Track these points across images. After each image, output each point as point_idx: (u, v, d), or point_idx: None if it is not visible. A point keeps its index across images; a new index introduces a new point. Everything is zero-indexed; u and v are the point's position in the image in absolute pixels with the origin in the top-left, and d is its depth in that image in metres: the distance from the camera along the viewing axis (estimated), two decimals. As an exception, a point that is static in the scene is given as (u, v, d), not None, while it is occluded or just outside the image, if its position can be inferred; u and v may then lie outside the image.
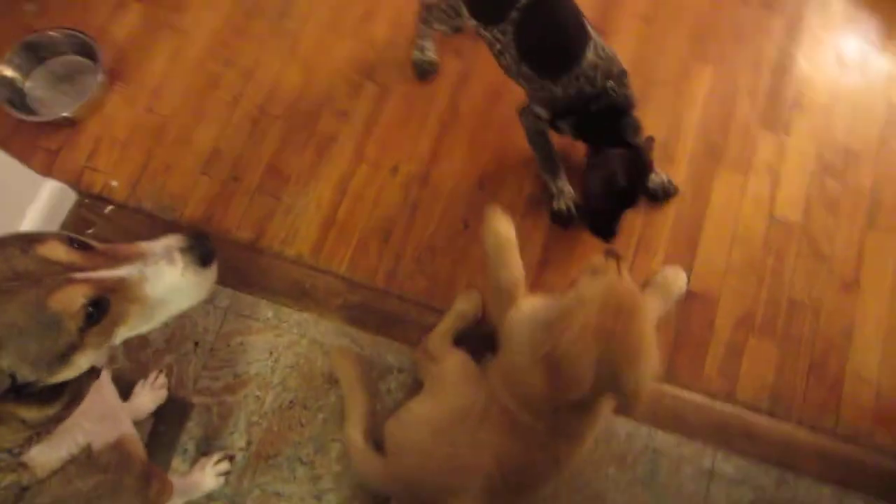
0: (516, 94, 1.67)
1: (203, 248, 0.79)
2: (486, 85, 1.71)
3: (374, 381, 1.47)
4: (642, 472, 1.46)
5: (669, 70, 1.73)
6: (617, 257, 1.08)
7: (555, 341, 0.99)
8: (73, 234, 0.75)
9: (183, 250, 0.77)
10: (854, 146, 1.68)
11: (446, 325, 1.46)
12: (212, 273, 0.81)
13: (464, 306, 1.48)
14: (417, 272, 1.56)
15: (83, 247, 0.73)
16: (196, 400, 1.46)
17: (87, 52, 1.65)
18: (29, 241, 0.69)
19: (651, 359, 1.01)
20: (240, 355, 1.49)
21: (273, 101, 1.69)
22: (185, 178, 1.61)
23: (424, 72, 1.69)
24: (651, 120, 1.67)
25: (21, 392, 0.68)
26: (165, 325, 1.47)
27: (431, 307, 1.53)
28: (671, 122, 1.69)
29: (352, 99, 1.69)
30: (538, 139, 1.51)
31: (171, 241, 0.78)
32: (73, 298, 0.67)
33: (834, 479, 1.46)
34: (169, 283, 0.76)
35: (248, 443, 1.44)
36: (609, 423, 1.47)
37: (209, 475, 1.36)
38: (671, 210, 1.62)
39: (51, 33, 1.63)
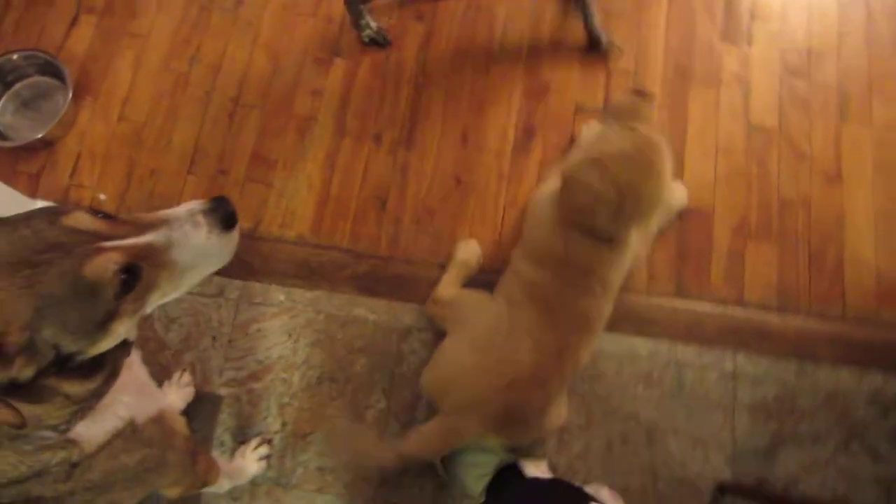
0: (482, 44, 1.72)
1: (224, 210, 0.80)
2: (450, 43, 1.74)
3: (396, 343, 1.50)
4: (669, 386, 1.51)
5: (626, 0, 1.79)
6: (645, 94, 1.21)
7: (578, 196, 1.13)
8: (95, 207, 0.77)
9: (205, 213, 0.78)
10: (815, 46, 1.75)
11: (451, 276, 1.49)
12: (235, 235, 0.82)
13: (464, 255, 1.52)
14: (419, 233, 1.59)
15: (107, 217, 0.74)
16: (224, 392, 1.47)
17: (51, 71, 1.65)
18: (55, 213, 0.70)
19: (669, 194, 1.17)
20: (259, 342, 1.50)
21: (245, 90, 1.70)
22: (173, 179, 1.62)
23: (383, 41, 1.72)
24: (623, 55, 1.74)
25: (64, 365, 0.69)
26: (180, 325, 1.50)
27: (438, 264, 1.56)
28: (637, 52, 1.74)
29: (322, 77, 1.71)
30: None
31: (193, 205, 0.79)
32: (106, 266, 0.68)
33: (850, 361, 1.53)
34: (195, 246, 0.77)
35: (283, 424, 1.45)
36: (630, 345, 1.52)
37: (250, 461, 1.38)
38: (652, 134, 1.67)
39: (12, 57, 1.62)
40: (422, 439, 1.28)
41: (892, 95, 1.70)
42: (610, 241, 1.20)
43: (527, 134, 1.65)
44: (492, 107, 1.68)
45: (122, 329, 0.73)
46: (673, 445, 1.47)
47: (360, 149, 1.65)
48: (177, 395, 1.42)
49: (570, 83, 1.70)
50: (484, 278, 1.51)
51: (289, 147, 1.65)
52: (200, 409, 1.45)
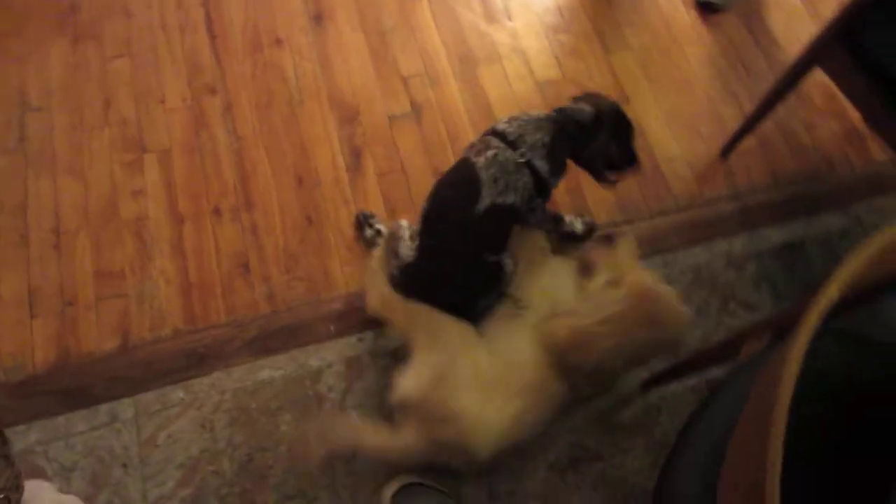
0: (281, 94, 1.88)
1: None
2: (251, 103, 1.89)
3: (312, 387, 1.57)
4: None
5: (393, 15, 2.05)
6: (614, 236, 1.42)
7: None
8: None
9: None
10: (561, 3, 2.12)
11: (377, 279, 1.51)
12: None
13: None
14: (291, 280, 1.68)
15: None
16: (156, 513, 1.45)
17: None
18: None
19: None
20: (174, 447, 1.50)
21: (63, 218, 1.71)
22: (16, 331, 1.59)
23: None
24: (406, 61, 1.97)
25: None
26: (81, 469, 1.47)
27: (322, 300, 1.66)
28: (422, 55, 2.00)
29: (139, 176, 1.77)
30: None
31: None
32: None
33: (697, 240, 1.82)
34: None
35: (232, 516, 1.45)
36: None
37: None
38: (464, 118, 1.91)
39: None
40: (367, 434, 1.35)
41: (635, 21, 2.10)
42: None
43: (354, 155, 1.83)
44: (313, 144, 1.83)
45: None
46: (594, 372, 1.65)
47: (204, 227, 1.72)
48: (106, 536, 1.38)
49: (375, 99, 1.91)
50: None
51: (131, 253, 1.68)
52: (137, 540, 1.41)
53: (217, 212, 1.75)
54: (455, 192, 1.38)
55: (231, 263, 1.69)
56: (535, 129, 1.40)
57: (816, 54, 1.48)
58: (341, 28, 2.01)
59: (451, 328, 1.39)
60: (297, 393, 1.57)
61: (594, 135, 1.44)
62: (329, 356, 1.61)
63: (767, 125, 1.96)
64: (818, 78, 2.01)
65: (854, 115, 2.00)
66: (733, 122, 1.95)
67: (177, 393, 1.55)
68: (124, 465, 1.48)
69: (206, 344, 1.60)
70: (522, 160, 1.37)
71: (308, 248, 1.73)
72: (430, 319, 1.40)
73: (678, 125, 1.96)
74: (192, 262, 1.69)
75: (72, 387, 1.55)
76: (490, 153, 1.36)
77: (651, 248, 1.80)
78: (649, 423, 1.60)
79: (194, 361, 1.58)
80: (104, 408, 1.53)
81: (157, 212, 1.74)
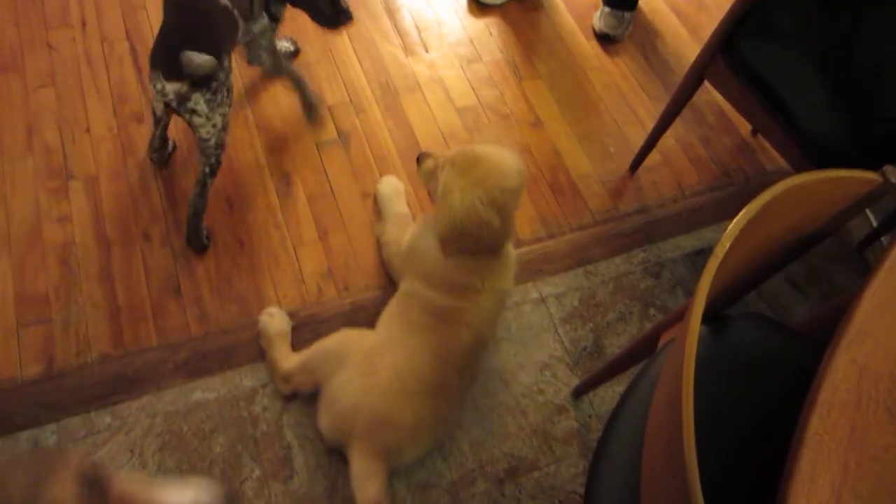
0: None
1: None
2: (178, 130, 1.88)
3: (246, 408, 1.54)
4: (500, 331, 1.74)
5: (315, 48, 2.12)
6: (426, 155, 1.51)
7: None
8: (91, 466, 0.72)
9: None
10: (472, 36, 2.24)
11: (278, 351, 1.57)
12: None
13: (274, 328, 1.59)
14: (224, 302, 1.67)
15: (97, 493, 0.71)
16: (83, 542, 1.37)
17: None
18: (37, 480, 0.67)
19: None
20: (102, 473, 1.43)
21: (-18, 247, 1.65)
22: (-69, 361, 1.50)
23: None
24: (332, 91, 2.03)
25: None
26: None
27: (255, 321, 1.64)
28: (346, 85, 2.06)
29: (64, 203, 1.74)
30: None
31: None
32: None
33: (616, 251, 1.91)
34: None
35: (165, 540, 1.39)
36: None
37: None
38: (389, 143, 1.97)
39: None
40: (367, 483, 1.37)
41: (541, 51, 2.24)
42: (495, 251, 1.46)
43: (284, 181, 1.85)
44: (243, 170, 1.85)
45: None
46: (525, 378, 1.69)
47: (133, 252, 1.69)
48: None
49: (302, 126, 1.95)
50: (309, 319, 1.66)
51: (55, 278, 1.63)
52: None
53: (147, 237, 1.72)
54: None
55: (162, 287, 1.66)
56: None
57: (703, 68, 1.62)
58: (267, 61, 2.06)
59: (349, 344, 1.50)
60: (231, 414, 1.54)
61: None
62: (263, 376, 1.58)
63: (669, 142, 2.10)
64: (707, 97, 2.20)
65: (743, 130, 2.17)
66: (638, 141, 2.07)
67: (103, 418, 1.49)
68: (49, 496, 1.41)
69: (135, 367, 1.55)
70: None
71: (241, 270, 1.72)
72: (326, 350, 1.51)
73: (589, 145, 2.08)
74: (120, 287, 1.65)
75: (-9, 416, 1.48)
76: None
77: (574, 261, 1.87)
78: (581, 429, 1.64)
79: (122, 385, 1.53)
80: (25, 435, 1.46)
81: (84, 237, 1.70)
